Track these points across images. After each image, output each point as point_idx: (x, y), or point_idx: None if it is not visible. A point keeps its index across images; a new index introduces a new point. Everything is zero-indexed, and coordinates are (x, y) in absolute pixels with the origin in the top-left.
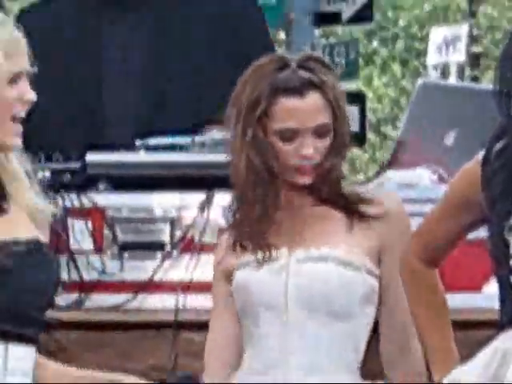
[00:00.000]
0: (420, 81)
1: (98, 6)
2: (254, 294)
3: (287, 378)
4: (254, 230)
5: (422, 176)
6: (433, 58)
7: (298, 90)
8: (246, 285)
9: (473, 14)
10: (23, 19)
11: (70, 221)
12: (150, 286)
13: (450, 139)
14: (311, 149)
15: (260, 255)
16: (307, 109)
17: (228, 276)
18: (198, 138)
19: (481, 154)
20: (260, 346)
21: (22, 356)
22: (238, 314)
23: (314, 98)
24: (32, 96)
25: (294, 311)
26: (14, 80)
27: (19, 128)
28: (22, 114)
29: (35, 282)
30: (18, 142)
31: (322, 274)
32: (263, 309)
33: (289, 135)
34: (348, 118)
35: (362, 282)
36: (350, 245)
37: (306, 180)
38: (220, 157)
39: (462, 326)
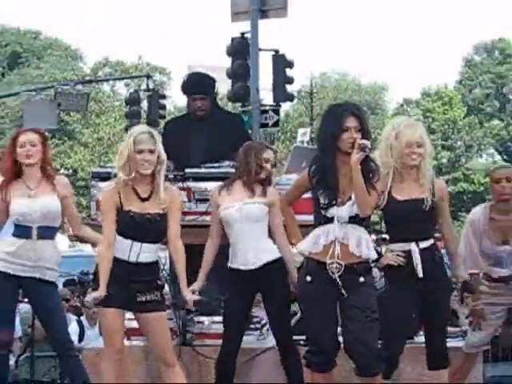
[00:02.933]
0: (294, 145)
1: (188, 122)
2: (230, 220)
3: (247, 255)
4: (225, 190)
5: (291, 178)
6: (299, 138)
7: None
8: (228, 216)
9: (311, 124)
10: (167, 125)
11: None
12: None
13: (303, 165)
14: None
15: (229, 205)
16: None
17: (216, 205)
18: (220, 164)
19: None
20: (234, 241)
21: (150, 247)
22: (224, 227)
23: None
24: (145, 158)
25: (244, 223)
26: (140, 152)
27: (146, 167)
28: (146, 166)
29: (152, 229)
30: (148, 172)
31: (255, 207)
32: (233, 224)
33: None
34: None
35: (265, 209)
36: (262, 196)
37: None
38: (228, 170)
39: (303, 226)
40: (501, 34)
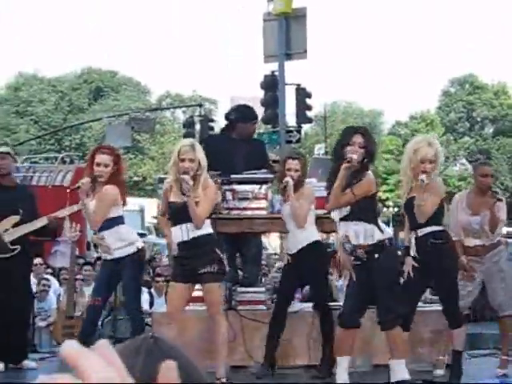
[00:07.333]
0: (312, 157)
1: (231, 147)
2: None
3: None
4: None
5: (312, 181)
6: (316, 152)
7: None
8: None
9: (325, 141)
10: (208, 139)
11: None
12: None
13: (320, 172)
14: None
15: None
16: None
17: None
18: (255, 172)
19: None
20: None
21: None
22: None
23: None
24: (185, 165)
25: (288, 219)
26: (182, 160)
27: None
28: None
29: (178, 212)
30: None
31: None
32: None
33: None
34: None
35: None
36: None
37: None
38: (261, 176)
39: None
40: (470, 70)
